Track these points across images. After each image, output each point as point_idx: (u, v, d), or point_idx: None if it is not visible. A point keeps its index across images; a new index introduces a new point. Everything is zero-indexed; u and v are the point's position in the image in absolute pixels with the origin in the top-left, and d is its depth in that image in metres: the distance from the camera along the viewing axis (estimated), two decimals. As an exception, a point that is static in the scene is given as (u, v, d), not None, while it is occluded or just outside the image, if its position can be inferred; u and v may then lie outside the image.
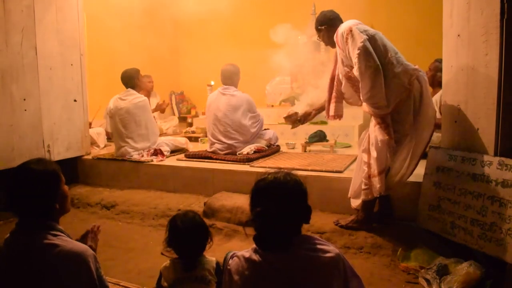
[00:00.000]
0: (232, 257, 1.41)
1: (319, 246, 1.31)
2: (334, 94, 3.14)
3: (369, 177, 2.70)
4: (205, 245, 1.76)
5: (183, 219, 1.75)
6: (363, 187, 2.74)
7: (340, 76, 3.02)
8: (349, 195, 2.97)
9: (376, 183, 2.65)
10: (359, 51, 2.58)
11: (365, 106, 2.71)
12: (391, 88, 2.60)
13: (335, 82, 3.13)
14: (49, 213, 1.47)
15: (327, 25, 2.93)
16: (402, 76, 2.61)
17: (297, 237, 1.33)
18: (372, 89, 2.58)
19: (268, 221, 1.31)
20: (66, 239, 1.44)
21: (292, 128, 3.80)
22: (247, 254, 1.35)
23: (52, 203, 1.47)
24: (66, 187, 1.56)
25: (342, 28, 2.73)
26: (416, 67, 2.68)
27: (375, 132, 2.67)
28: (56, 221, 1.50)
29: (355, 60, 2.62)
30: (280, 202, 1.32)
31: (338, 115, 3.19)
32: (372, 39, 2.61)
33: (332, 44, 2.97)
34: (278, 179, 1.35)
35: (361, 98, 2.69)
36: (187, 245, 1.72)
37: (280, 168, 1.45)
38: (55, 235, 1.42)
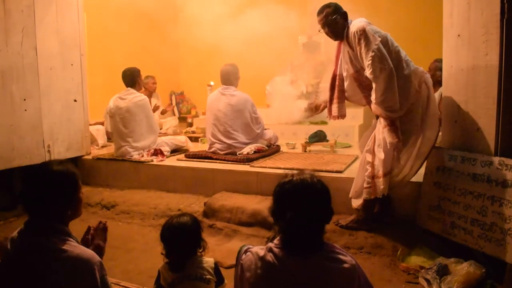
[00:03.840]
0: (246, 251, 1.39)
1: (336, 256, 1.29)
2: (336, 94, 3.03)
3: (372, 177, 2.69)
4: (193, 250, 1.75)
5: (173, 221, 1.76)
6: (365, 185, 2.72)
7: (344, 74, 2.94)
8: (350, 195, 2.95)
9: (380, 184, 2.64)
10: (373, 53, 2.53)
11: (375, 109, 2.66)
12: (403, 91, 2.58)
13: (337, 81, 3.02)
14: (61, 216, 1.46)
15: (340, 15, 2.76)
16: (413, 78, 2.60)
17: (316, 244, 1.31)
18: (386, 92, 2.54)
19: (301, 224, 1.28)
20: (75, 245, 1.42)
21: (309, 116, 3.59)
22: (261, 253, 1.33)
23: (65, 207, 1.46)
24: (82, 194, 1.56)
25: (355, 27, 2.65)
26: (422, 69, 2.69)
27: (383, 133, 2.64)
28: (66, 225, 1.49)
29: (368, 62, 2.56)
30: (311, 205, 1.29)
31: (341, 115, 3.08)
32: (384, 41, 2.57)
33: (339, 37, 2.84)
34: (306, 181, 1.32)
35: (374, 100, 2.63)
36: (172, 247, 1.73)
37: (300, 169, 1.43)
38: (63, 240, 1.40)
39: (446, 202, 2.57)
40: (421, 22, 5.49)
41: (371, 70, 2.56)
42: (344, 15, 2.78)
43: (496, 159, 2.30)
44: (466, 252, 2.37)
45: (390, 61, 2.53)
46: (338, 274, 1.26)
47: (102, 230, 1.74)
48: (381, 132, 2.67)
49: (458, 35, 2.65)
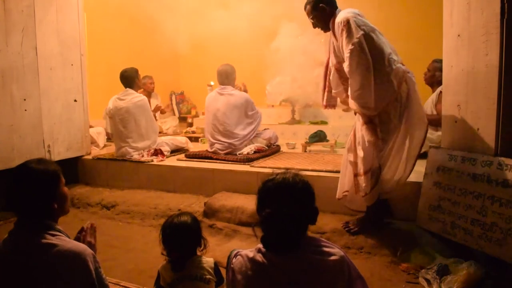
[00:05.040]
0: (235, 255, 1.40)
1: (324, 249, 1.30)
2: (327, 83, 3.01)
3: (355, 176, 2.66)
4: (194, 249, 1.75)
5: (173, 220, 1.76)
6: (361, 194, 2.66)
7: (330, 65, 2.91)
8: (337, 196, 2.87)
9: (362, 182, 2.62)
10: (352, 46, 2.46)
11: (352, 104, 2.63)
12: (381, 90, 2.50)
13: (328, 70, 2.99)
14: (48, 213, 1.46)
15: (326, 4, 2.72)
16: (393, 78, 2.51)
17: (302, 239, 1.31)
18: (361, 88, 2.49)
19: (276, 223, 1.29)
20: (65, 239, 1.43)
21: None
22: (250, 254, 1.34)
23: (50, 203, 1.46)
24: (66, 189, 1.56)
25: (340, 17, 2.59)
26: (406, 68, 2.61)
27: (362, 131, 2.60)
28: (55, 221, 1.50)
29: (347, 55, 2.51)
30: (289, 204, 1.29)
31: (331, 105, 3.04)
32: (368, 36, 2.48)
33: (325, 28, 2.80)
34: (287, 180, 1.33)
35: (350, 95, 2.60)
36: (172, 246, 1.73)
37: (287, 169, 1.43)
38: (54, 235, 1.41)
39: (446, 202, 2.57)
40: (421, 22, 5.49)
41: (348, 63, 2.51)
42: (331, 5, 2.73)
43: (496, 159, 2.30)
44: (466, 252, 2.37)
45: (369, 57, 2.44)
46: (327, 266, 1.27)
47: (92, 229, 1.75)
48: (359, 129, 2.63)
49: (458, 35, 2.64)
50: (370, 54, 2.46)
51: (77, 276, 1.36)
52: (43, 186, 1.45)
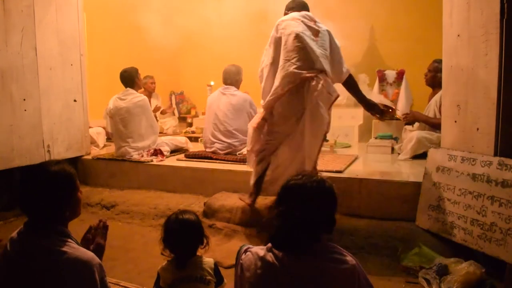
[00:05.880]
0: (245, 251, 1.39)
1: (336, 256, 1.29)
2: None
3: (247, 151, 2.96)
4: (196, 247, 1.75)
5: (177, 216, 1.75)
6: (248, 166, 2.98)
7: None
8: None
9: (250, 158, 2.93)
10: (267, 46, 2.80)
11: None
12: (268, 87, 2.75)
13: None
14: (59, 217, 1.45)
15: (293, 10, 2.89)
16: (281, 80, 2.64)
17: (316, 244, 1.30)
18: (261, 80, 2.81)
19: (288, 222, 1.27)
20: (74, 246, 1.41)
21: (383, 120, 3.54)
22: (261, 253, 1.33)
23: (64, 208, 1.44)
24: (80, 194, 1.54)
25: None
26: (306, 74, 2.58)
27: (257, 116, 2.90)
28: (65, 226, 1.48)
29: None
30: (303, 207, 1.27)
31: None
32: (277, 39, 2.72)
33: None
34: (309, 184, 1.31)
35: None
36: (177, 242, 1.72)
37: (321, 174, 1.42)
38: (63, 241, 1.39)
39: (446, 202, 2.57)
40: (422, 22, 5.49)
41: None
42: (289, 9, 2.92)
43: (496, 159, 2.30)
44: (466, 252, 2.37)
45: (270, 57, 2.74)
46: (338, 275, 1.26)
47: (102, 228, 1.73)
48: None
49: (458, 35, 2.65)
50: (275, 55, 2.71)
51: (82, 286, 1.35)
52: (59, 189, 1.43)
